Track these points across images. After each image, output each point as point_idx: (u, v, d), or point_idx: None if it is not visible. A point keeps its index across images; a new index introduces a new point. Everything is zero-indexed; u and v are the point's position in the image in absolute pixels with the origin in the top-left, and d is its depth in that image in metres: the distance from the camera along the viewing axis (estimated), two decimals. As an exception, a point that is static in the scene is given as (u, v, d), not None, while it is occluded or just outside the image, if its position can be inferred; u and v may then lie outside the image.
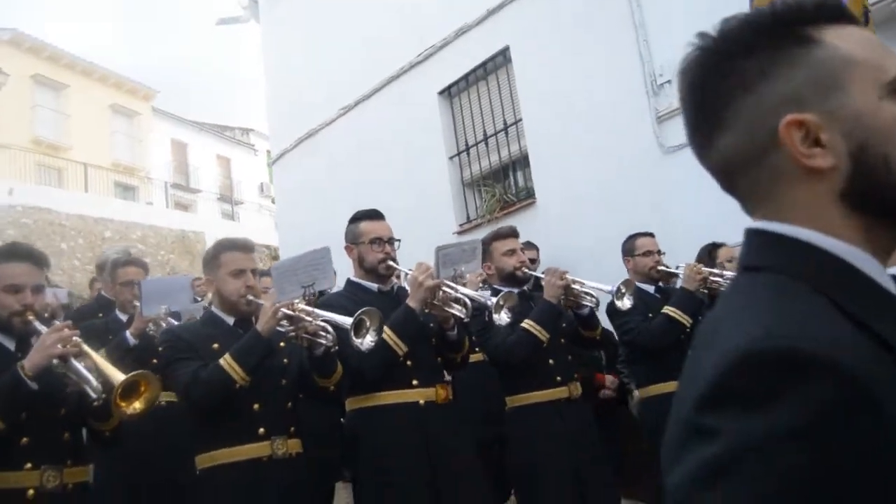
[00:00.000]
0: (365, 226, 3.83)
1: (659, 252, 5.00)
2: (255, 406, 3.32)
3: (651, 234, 5.07)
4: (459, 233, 8.30)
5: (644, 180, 6.56)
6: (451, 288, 3.67)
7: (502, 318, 3.77)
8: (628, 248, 5.05)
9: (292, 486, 3.32)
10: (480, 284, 4.88)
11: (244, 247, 3.61)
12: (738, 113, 0.92)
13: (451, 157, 8.88)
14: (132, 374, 2.97)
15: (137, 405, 2.99)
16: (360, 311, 3.24)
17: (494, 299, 3.75)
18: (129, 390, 2.98)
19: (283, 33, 11.89)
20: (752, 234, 0.94)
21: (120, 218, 19.41)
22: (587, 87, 7.20)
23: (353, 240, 3.84)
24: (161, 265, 18.36)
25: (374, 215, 3.89)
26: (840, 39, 0.90)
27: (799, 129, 0.87)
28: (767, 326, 0.76)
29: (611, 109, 6.94)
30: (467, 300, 3.65)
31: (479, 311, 3.94)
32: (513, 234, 4.49)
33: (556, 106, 7.51)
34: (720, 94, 0.93)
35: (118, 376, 2.91)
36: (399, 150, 9.24)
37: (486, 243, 4.40)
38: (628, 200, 6.57)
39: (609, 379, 5.34)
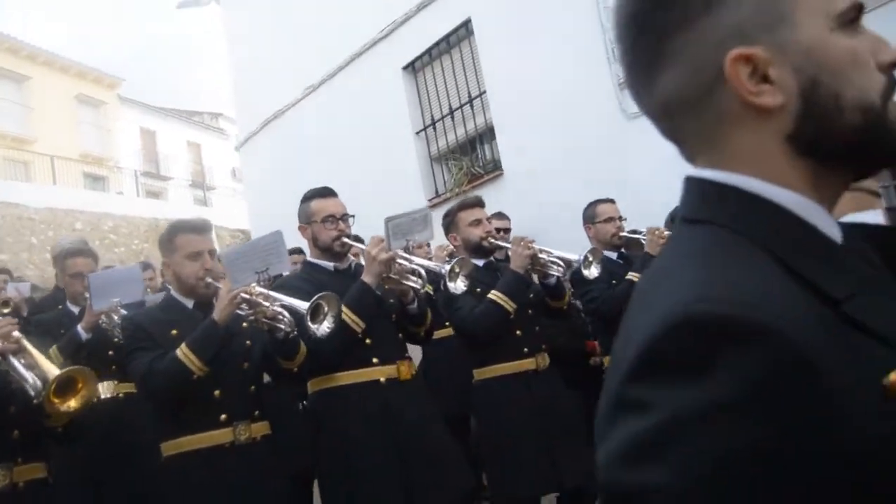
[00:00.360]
0: (316, 204, 3.73)
1: (620, 218, 4.95)
2: (216, 392, 3.26)
3: (612, 201, 5.02)
4: (429, 207, 8.23)
5: (609, 147, 6.52)
6: (406, 259, 3.59)
7: (458, 285, 3.70)
8: (589, 215, 4.99)
9: (258, 471, 3.26)
10: (447, 258, 4.82)
11: (200, 228, 3.50)
12: (680, 49, 0.84)
13: (417, 133, 8.83)
14: (66, 370, 2.90)
15: (73, 403, 2.91)
16: (316, 297, 3.15)
17: (448, 266, 3.68)
18: (67, 387, 2.90)
19: (244, 14, 11.73)
20: (693, 183, 0.87)
21: (90, 209, 19.14)
22: (549, 55, 7.13)
23: (305, 219, 3.75)
24: (135, 254, 18.15)
25: (325, 193, 3.79)
26: None
27: (746, 65, 0.80)
28: (703, 290, 0.70)
29: (573, 77, 6.88)
30: (422, 271, 3.58)
31: (436, 280, 3.87)
32: (478, 203, 4.39)
33: (518, 76, 7.46)
34: (660, 30, 0.85)
35: (53, 372, 2.83)
36: (366, 127, 9.17)
37: (452, 214, 4.32)
38: (594, 168, 6.53)
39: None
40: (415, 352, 5.27)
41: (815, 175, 0.83)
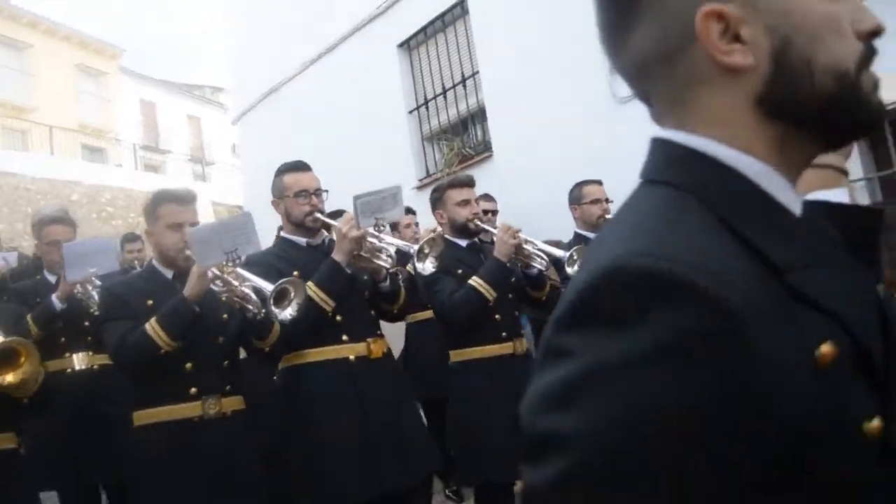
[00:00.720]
0: (289, 178, 3.69)
1: (606, 200, 4.89)
2: (188, 366, 3.26)
3: (599, 182, 4.97)
4: (419, 187, 8.22)
5: (599, 131, 6.44)
6: (376, 237, 3.56)
7: (426, 266, 3.68)
8: (575, 196, 4.96)
9: (227, 446, 3.25)
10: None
11: (183, 199, 3.45)
12: (653, 5, 0.82)
13: (410, 111, 8.76)
14: (5, 341, 2.85)
15: (10, 378, 2.85)
16: (281, 281, 3.14)
17: (416, 247, 3.66)
18: (8, 359, 2.85)
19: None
20: (657, 144, 0.86)
21: (88, 181, 19.11)
22: (542, 37, 7.03)
23: (278, 194, 3.71)
24: (132, 228, 18.06)
25: (299, 167, 3.75)
26: None
27: (718, 22, 0.78)
28: (638, 245, 0.71)
29: (565, 59, 6.78)
30: (391, 249, 3.56)
31: (405, 259, 3.84)
32: (469, 183, 4.33)
33: (511, 57, 7.37)
34: None
35: None
36: (360, 105, 9.07)
37: (441, 190, 4.27)
38: (584, 152, 6.45)
39: None
40: (399, 334, 5.28)
41: (782, 140, 0.81)
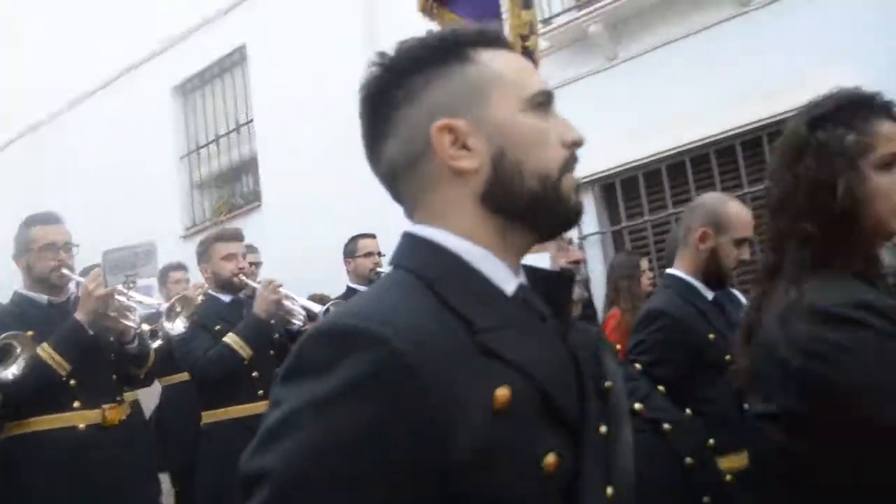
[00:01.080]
0: (37, 231, 3.42)
1: (379, 254, 4.97)
2: None
3: (373, 236, 5.05)
4: (185, 236, 8.01)
5: (370, 186, 6.51)
6: (124, 295, 3.39)
7: (176, 326, 3.57)
8: (350, 250, 5.01)
9: None
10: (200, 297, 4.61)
11: (48, 219, 3.42)
12: (402, 122, 0.98)
13: (181, 157, 8.52)
14: None
15: None
16: (4, 335, 2.94)
17: (166, 305, 3.53)
18: None
19: (8, 14, 10.78)
20: (403, 236, 1.01)
21: None
22: (317, 87, 7.09)
23: (23, 248, 3.42)
24: None
25: (48, 219, 3.49)
26: (492, 60, 1.00)
27: (449, 134, 0.95)
28: (346, 310, 0.90)
29: (340, 113, 6.81)
30: (139, 308, 3.43)
31: (153, 319, 3.71)
32: (236, 237, 4.21)
33: (286, 106, 7.41)
34: (388, 105, 0.99)
35: None
36: (129, 148, 8.71)
37: (207, 244, 4.13)
38: (355, 206, 6.49)
39: None
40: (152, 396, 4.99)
41: (503, 230, 0.98)
